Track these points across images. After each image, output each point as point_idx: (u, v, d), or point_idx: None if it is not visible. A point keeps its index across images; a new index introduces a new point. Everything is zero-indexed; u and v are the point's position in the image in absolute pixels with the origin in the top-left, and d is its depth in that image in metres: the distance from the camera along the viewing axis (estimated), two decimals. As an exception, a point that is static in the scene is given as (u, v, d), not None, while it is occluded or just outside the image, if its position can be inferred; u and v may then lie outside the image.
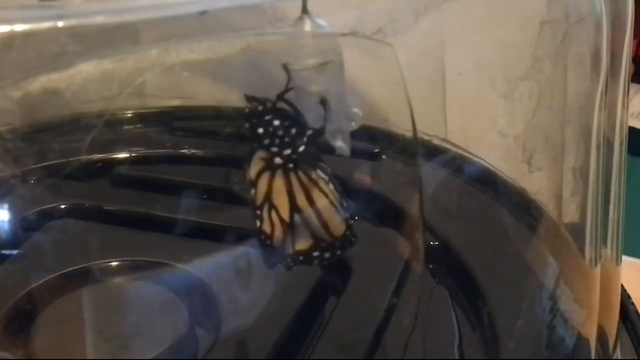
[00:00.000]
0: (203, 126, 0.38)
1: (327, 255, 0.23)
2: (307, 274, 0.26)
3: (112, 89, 0.24)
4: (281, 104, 0.22)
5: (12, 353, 0.24)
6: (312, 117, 0.22)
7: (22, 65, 0.20)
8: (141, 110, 0.40)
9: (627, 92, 0.27)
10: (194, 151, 0.36)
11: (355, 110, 0.22)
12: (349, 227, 0.23)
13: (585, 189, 0.27)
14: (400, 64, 0.23)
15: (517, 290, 0.28)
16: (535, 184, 0.32)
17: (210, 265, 0.27)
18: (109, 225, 0.31)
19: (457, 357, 0.25)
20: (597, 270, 0.27)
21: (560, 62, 0.29)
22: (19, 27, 0.15)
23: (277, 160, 0.22)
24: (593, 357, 0.26)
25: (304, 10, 0.21)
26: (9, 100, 0.22)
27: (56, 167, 0.29)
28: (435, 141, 0.33)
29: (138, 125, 0.40)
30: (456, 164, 0.33)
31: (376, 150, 0.34)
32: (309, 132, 0.22)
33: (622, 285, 0.29)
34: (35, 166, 0.23)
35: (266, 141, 0.22)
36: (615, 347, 0.27)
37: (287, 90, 0.21)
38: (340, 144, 0.22)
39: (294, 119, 0.22)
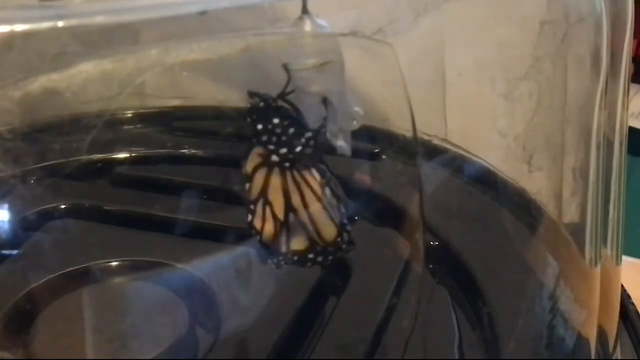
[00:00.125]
0: (203, 126, 0.38)
1: (319, 259, 0.23)
2: (307, 274, 0.26)
3: (112, 89, 0.24)
4: (283, 104, 0.22)
5: (12, 353, 0.24)
6: (313, 117, 0.22)
7: (22, 65, 0.20)
8: (141, 110, 0.40)
9: (627, 92, 0.27)
10: (194, 151, 0.36)
11: (357, 109, 0.22)
12: (340, 234, 0.23)
13: (585, 189, 0.27)
14: (400, 64, 0.23)
15: (517, 290, 0.28)
16: (535, 184, 0.32)
17: (210, 265, 0.27)
18: (109, 225, 0.31)
19: (457, 357, 0.25)
20: (597, 270, 0.27)
21: (560, 62, 0.29)
22: (19, 27, 0.15)
23: (274, 157, 0.22)
24: (593, 357, 0.26)
25: (304, 10, 0.21)
26: (9, 100, 0.22)
27: (56, 167, 0.29)
28: (435, 141, 0.33)
29: (138, 125, 0.40)
30: (456, 164, 0.33)
31: (376, 150, 0.34)
32: (308, 134, 0.22)
33: (622, 285, 0.29)
34: (35, 166, 0.23)
35: (264, 138, 0.22)
36: (615, 347, 0.27)
37: (287, 92, 0.21)
38: (342, 144, 0.22)
39: (294, 118, 0.22)
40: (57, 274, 0.26)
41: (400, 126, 0.26)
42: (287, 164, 0.22)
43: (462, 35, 0.28)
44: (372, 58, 0.24)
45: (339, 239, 0.23)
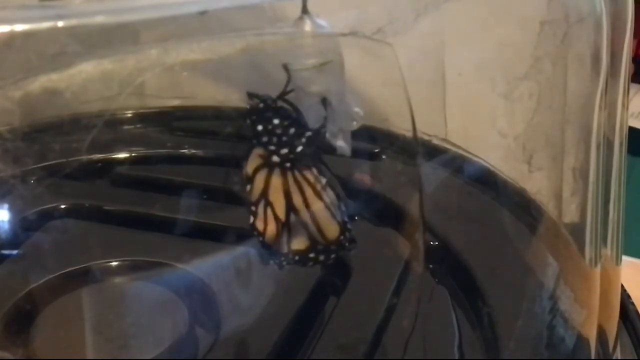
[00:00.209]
0: (203, 126, 0.38)
1: (321, 257, 0.23)
2: (307, 274, 0.26)
3: (112, 89, 0.24)
4: (282, 104, 0.22)
5: (12, 353, 0.24)
6: (313, 117, 0.22)
7: (22, 65, 0.20)
8: (141, 110, 0.40)
9: (627, 92, 0.27)
10: (194, 151, 0.36)
11: (357, 109, 0.22)
12: (343, 232, 0.23)
13: (585, 189, 0.27)
14: (400, 64, 0.23)
15: (517, 290, 0.28)
16: (535, 184, 0.32)
17: (210, 265, 0.27)
18: (109, 225, 0.31)
19: (457, 357, 0.25)
20: (597, 270, 0.27)
21: (560, 62, 0.29)
22: (19, 27, 0.15)
23: (275, 158, 0.22)
24: (593, 357, 0.26)
25: (304, 10, 0.21)
26: (9, 100, 0.22)
27: (56, 167, 0.29)
28: (435, 141, 0.33)
29: (138, 125, 0.40)
30: (456, 164, 0.33)
31: (376, 150, 0.34)
32: (308, 133, 0.22)
33: (622, 285, 0.29)
34: (35, 166, 0.23)
35: (264, 139, 0.22)
36: (615, 347, 0.27)
37: (287, 92, 0.21)
38: (342, 144, 0.22)
39: (294, 119, 0.22)
40: (57, 274, 0.26)
41: (400, 126, 0.26)
42: (287, 165, 0.22)
43: (462, 35, 0.28)
44: (372, 58, 0.24)
45: (341, 237, 0.23)
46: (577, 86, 0.28)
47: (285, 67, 0.21)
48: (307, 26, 0.21)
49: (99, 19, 0.15)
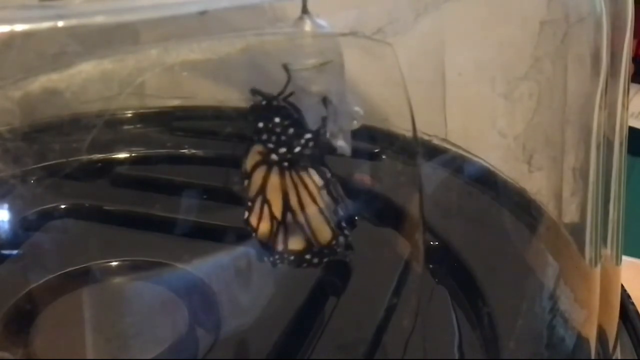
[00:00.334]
0: (203, 126, 0.38)
1: (315, 260, 0.23)
2: (307, 274, 0.26)
3: (112, 89, 0.24)
4: (285, 104, 0.22)
5: (12, 353, 0.24)
6: (313, 117, 0.22)
7: (22, 65, 0.20)
8: (141, 110, 0.40)
9: (627, 92, 0.27)
10: (194, 151, 0.36)
11: (357, 108, 0.22)
12: (336, 237, 0.23)
13: (585, 189, 0.27)
14: (400, 64, 0.23)
15: (517, 290, 0.28)
16: (535, 184, 0.32)
17: (210, 265, 0.27)
18: (109, 225, 0.31)
19: (457, 357, 0.25)
20: (597, 270, 0.27)
21: (560, 62, 0.29)
22: (19, 27, 0.15)
23: (273, 156, 0.22)
24: (593, 357, 0.26)
25: (304, 10, 0.21)
26: (9, 100, 0.22)
27: (56, 167, 0.29)
28: (435, 141, 0.33)
29: (138, 125, 0.40)
30: (456, 164, 0.33)
31: (376, 150, 0.34)
32: (307, 135, 0.22)
33: (622, 285, 0.29)
34: (35, 166, 0.23)
35: (264, 136, 0.22)
36: (615, 347, 0.27)
37: (288, 95, 0.22)
38: (342, 144, 0.22)
39: (294, 119, 0.22)
40: (57, 274, 0.26)
41: (400, 126, 0.26)
42: (285, 164, 0.22)
43: (462, 35, 0.28)
44: (372, 58, 0.24)
45: (334, 242, 0.23)
46: (577, 86, 0.28)
47: (286, 67, 0.21)
48: (307, 26, 0.21)
49: (99, 19, 0.15)
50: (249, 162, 0.23)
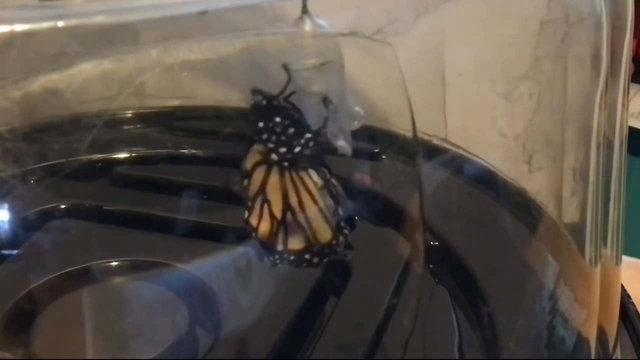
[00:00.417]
0: (203, 126, 0.38)
1: (315, 260, 0.23)
2: (307, 274, 0.26)
3: (112, 89, 0.24)
4: (286, 103, 0.22)
5: (12, 353, 0.24)
6: (313, 117, 0.22)
7: (22, 65, 0.20)
8: (141, 110, 0.40)
9: (627, 92, 0.27)
10: (194, 151, 0.36)
11: (357, 109, 0.22)
12: (336, 237, 0.23)
13: (585, 189, 0.27)
14: (400, 64, 0.23)
15: (517, 290, 0.28)
16: (535, 184, 0.32)
17: (210, 265, 0.27)
18: (109, 225, 0.31)
19: (457, 357, 0.25)
20: (597, 270, 0.27)
21: (560, 62, 0.29)
22: (19, 27, 0.15)
23: (273, 156, 0.22)
24: (593, 357, 0.26)
25: (304, 10, 0.21)
26: (9, 100, 0.22)
27: (56, 167, 0.29)
28: (435, 141, 0.33)
29: (138, 125, 0.40)
30: (456, 164, 0.33)
31: (376, 150, 0.34)
32: (307, 135, 0.22)
33: (622, 285, 0.29)
34: (35, 166, 0.23)
35: (264, 136, 0.22)
36: (615, 347, 0.27)
37: (289, 94, 0.21)
38: (342, 144, 0.22)
39: (295, 119, 0.22)
40: (57, 274, 0.26)
41: (400, 126, 0.26)
42: (285, 164, 0.22)
43: (462, 35, 0.28)
44: (372, 58, 0.24)
45: (334, 242, 0.23)
46: (577, 86, 0.28)
47: (286, 67, 0.21)
48: (307, 26, 0.21)
49: (99, 19, 0.15)
50: (249, 162, 0.23)
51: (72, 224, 0.31)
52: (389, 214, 0.29)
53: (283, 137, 0.22)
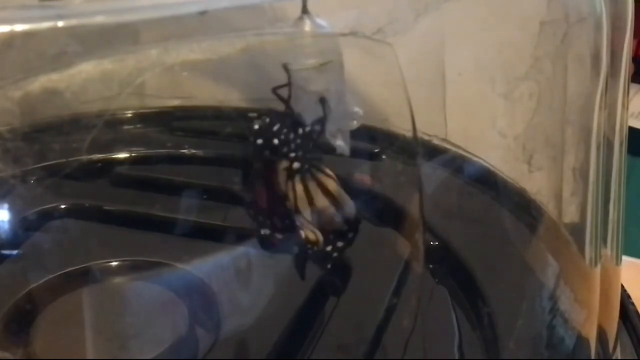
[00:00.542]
0: (203, 126, 0.38)
1: (339, 244, 0.23)
2: (307, 274, 0.26)
3: (112, 89, 0.24)
4: (279, 108, 0.22)
5: (12, 353, 0.24)
6: (312, 117, 0.22)
7: (22, 65, 0.20)
8: (141, 110, 0.40)
9: (627, 92, 0.27)
10: (194, 151, 0.36)
11: (356, 109, 0.22)
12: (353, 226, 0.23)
13: (585, 189, 0.27)
14: (400, 64, 0.23)
15: (517, 290, 0.28)
16: (535, 184, 0.32)
17: (210, 265, 0.27)
18: (109, 225, 0.31)
19: (457, 357, 0.25)
20: (597, 270, 0.27)
21: (560, 62, 0.29)
22: (19, 27, 0.15)
23: (296, 165, 0.22)
24: (593, 357, 0.26)
25: (304, 10, 0.21)
26: (9, 100, 0.22)
27: (56, 167, 0.29)
28: (435, 141, 0.33)
29: (138, 125, 0.40)
30: (456, 164, 0.33)
31: (376, 150, 0.34)
32: (307, 128, 0.22)
33: (622, 285, 0.29)
34: (35, 166, 0.23)
35: (284, 149, 0.22)
36: (615, 347, 0.27)
37: (285, 86, 0.21)
38: (340, 143, 0.22)
39: (294, 119, 0.22)
40: (57, 274, 0.26)
41: (400, 126, 0.26)
42: (306, 166, 0.22)
43: (462, 35, 0.28)
44: (372, 58, 0.24)
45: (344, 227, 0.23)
46: (577, 86, 0.28)
47: (286, 67, 0.21)
48: (307, 26, 0.21)
49: (99, 19, 0.15)
50: (282, 180, 0.22)
51: (72, 224, 0.31)
52: (389, 214, 0.29)
53: (298, 140, 0.22)
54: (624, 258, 0.29)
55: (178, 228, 0.29)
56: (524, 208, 0.31)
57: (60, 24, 0.15)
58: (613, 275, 0.28)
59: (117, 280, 0.27)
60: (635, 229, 0.35)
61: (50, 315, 0.24)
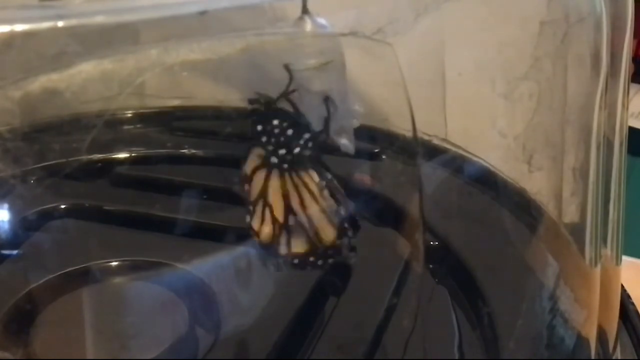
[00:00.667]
0: (203, 126, 0.38)
1: (320, 262, 0.23)
2: (307, 274, 0.26)
3: (112, 89, 0.24)
4: (285, 105, 0.22)
5: (12, 353, 0.24)
6: (315, 117, 0.22)
7: (22, 65, 0.20)
8: (141, 110, 0.40)
9: (627, 92, 0.27)
10: (194, 151, 0.36)
11: (356, 107, 0.22)
12: (340, 237, 0.23)
13: (585, 189, 0.27)
14: (400, 64, 0.23)
15: (517, 290, 0.28)
16: (535, 184, 0.32)
17: (210, 265, 0.27)
18: (109, 225, 0.31)
19: (457, 357, 0.25)
20: (597, 270, 0.27)
21: (560, 62, 0.29)
22: (19, 27, 0.15)
23: (273, 159, 0.22)
24: (593, 357, 0.26)
25: (304, 10, 0.21)
26: (9, 100, 0.22)
27: (56, 167, 0.29)
28: (435, 141, 0.33)
29: (138, 125, 0.40)
30: (456, 164, 0.33)
31: (376, 150, 0.34)
32: (306, 135, 0.22)
33: (622, 285, 0.29)
34: (35, 166, 0.23)
35: (263, 139, 0.22)
36: (615, 347, 0.27)
37: (289, 91, 0.21)
38: (345, 142, 0.22)
39: (293, 120, 0.22)
40: (57, 274, 0.26)
41: (400, 126, 0.26)
42: (285, 166, 0.22)
43: (462, 35, 0.28)
44: (372, 58, 0.24)
45: (338, 242, 0.23)
46: (577, 86, 0.28)
47: (287, 68, 0.21)
48: (307, 26, 0.21)
49: (99, 19, 0.15)
50: (249, 166, 0.23)
51: (72, 224, 0.31)
52: (389, 214, 0.29)
53: (282, 139, 0.22)
54: (624, 258, 0.29)
55: (178, 228, 0.29)
56: (524, 208, 0.31)
57: (60, 24, 0.15)
58: (613, 275, 0.28)
59: (117, 280, 0.27)
60: (635, 229, 0.35)
61: (50, 315, 0.24)
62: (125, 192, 0.34)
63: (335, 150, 0.22)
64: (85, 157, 0.32)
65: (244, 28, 0.22)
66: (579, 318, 0.27)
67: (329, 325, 0.25)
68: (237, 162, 0.23)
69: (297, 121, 0.22)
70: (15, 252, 0.28)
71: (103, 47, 0.20)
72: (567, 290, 0.27)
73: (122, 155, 0.36)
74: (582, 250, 0.27)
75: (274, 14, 0.21)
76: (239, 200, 0.24)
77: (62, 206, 0.31)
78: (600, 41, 0.25)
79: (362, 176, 0.31)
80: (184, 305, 0.25)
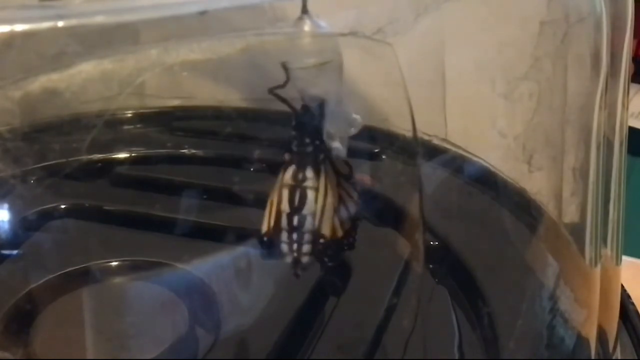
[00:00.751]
0: (203, 126, 0.38)
1: (327, 259, 0.23)
2: (307, 274, 0.26)
3: (112, 89, 0.24)
4: (279, 108, 0.22)
5: (12, 353, 0.24)
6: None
7: (22, 65, 0.20)
8: (141, 110, 0.40)
9: (627, 92, 0.27)
10: (194, 151, 0.36)
11: (355, 116, 0.22)
12: (346, 236, 0.23)
13: (585, 189, 0.27)
14: (400, 64, 0.23)
15: (517, 290, 0.28)
16: (535, 184, 0.32)
17: (210, 265, 0.27)
18: (109, 225, 0.31)
19: (457, 357, 0.25)
20: (597, 270, 0.27)
21: (560, 62, 0.29)
22: (19, 27, 0.15)
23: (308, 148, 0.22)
24: (593, 357, 0.26)
25: (304, 10, 0.21)
26: (9, 100, 0.22)
27: (56, 167, 0.29)
28: (435, 141, 0.33)
29: (138, 125, 0.40)
30: (456, 164, 0.33)
31: (376, 150, 0.34)
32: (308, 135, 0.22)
33: (622, 285, 0.29)
34: (35, 166, 0.23)
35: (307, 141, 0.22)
36: (615, 347, 0.27)
37: (278, 86, 0.21)
38: (337, 145, 0.22)
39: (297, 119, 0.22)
40: (57, 274, 0.26)
41: (400, 126, 0.26)
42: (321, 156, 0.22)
43: (462, 35, 0.28)
44: (372, 58, 0.24)
45: (344, 241, 0.23)
46: (577, 86, 0.28)
47: (284, 66, 0.21)
48: (307, 26, 0.21)
49: (99, 19, 0.15)
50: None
51: (72, 224, 0.31)
52: (389, 214, 0.29)
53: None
54: (624, 258, 0.29)
55: (178, 228, 0.29)
56: (524, 208, 0.31)
57: (60, 24, 0.15)
58: (613, 275, 0.28)
59: (117, 280, 0.27)
60: (635, 229, 0.35)
61: (50, 315, 0.24)
62: (125, 192, 0.34)
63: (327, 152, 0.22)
64: (85, 157, 0.32)
65: (244, 28, 0.22)
66: (579, 318, 0.27)
67: (329, 325, 0.25)
68: (237, 162, 0.23)
69: (299, 120, 0.22)
70: (15, 252, 0.28)
71: (103, 47, 0.20)
72: (567, 290, 0.27)
73: (122, 155, 0.36)
74: (582, 250, 0.27)
75: (274, 14, 0.21)
76: (239, 200, 0.24)
77: (62, 206, 0.31)
78: (600, 41, 0.25)
79: (362, 176, 0.31)
80: (184, 305, 0.25)
